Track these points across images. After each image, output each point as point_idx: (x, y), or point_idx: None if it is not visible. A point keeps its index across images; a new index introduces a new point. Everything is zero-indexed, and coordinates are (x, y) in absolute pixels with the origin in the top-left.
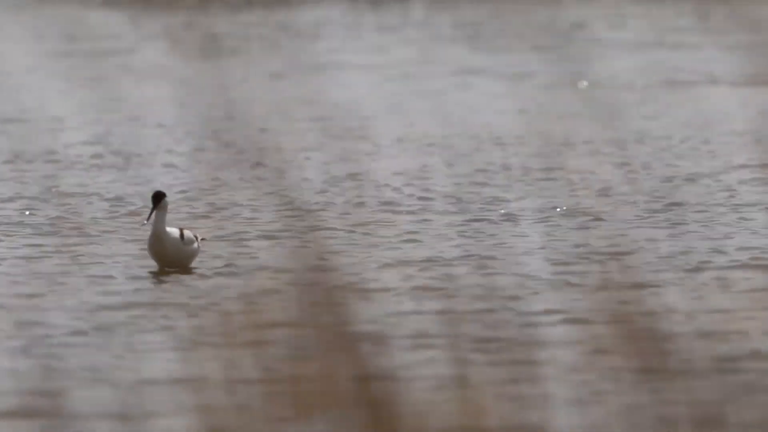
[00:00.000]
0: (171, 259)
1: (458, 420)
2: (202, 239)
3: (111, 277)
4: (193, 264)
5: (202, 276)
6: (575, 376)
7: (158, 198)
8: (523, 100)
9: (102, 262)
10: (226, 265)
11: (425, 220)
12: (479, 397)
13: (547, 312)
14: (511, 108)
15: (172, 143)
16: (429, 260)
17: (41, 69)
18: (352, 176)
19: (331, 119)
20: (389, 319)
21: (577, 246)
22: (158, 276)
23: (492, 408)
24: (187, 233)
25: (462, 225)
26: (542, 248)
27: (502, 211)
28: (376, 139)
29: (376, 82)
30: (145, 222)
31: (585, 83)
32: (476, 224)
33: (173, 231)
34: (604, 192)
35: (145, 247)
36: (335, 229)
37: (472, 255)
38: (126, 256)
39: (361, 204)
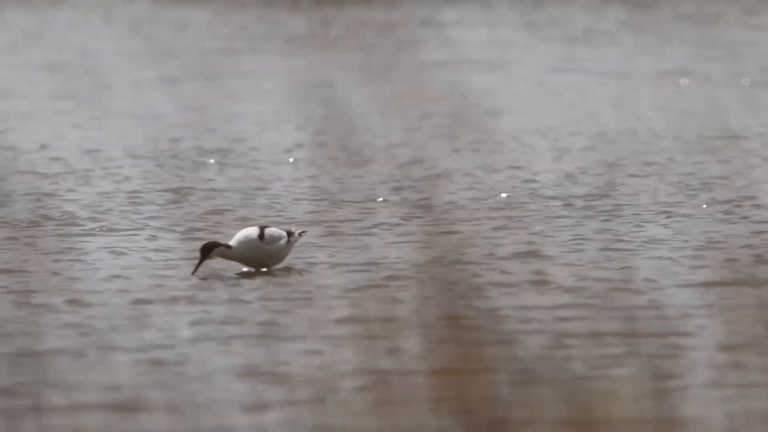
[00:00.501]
0: (255, 262)
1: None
2: (301, 233)
3: None
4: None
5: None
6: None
7: (207, 250)
8: (679, 97)
9: None
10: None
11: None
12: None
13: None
14: (670, 105)
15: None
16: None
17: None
18: (496, 170)
19: (459, 114)
20: (525, 314)
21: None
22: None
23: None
24: (271, 230)
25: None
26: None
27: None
28: (530, 137)
29: (517, 77)
30: (193, 274)
31: (747, 80)
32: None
33: (251, 231)
34: None
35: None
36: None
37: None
38: None
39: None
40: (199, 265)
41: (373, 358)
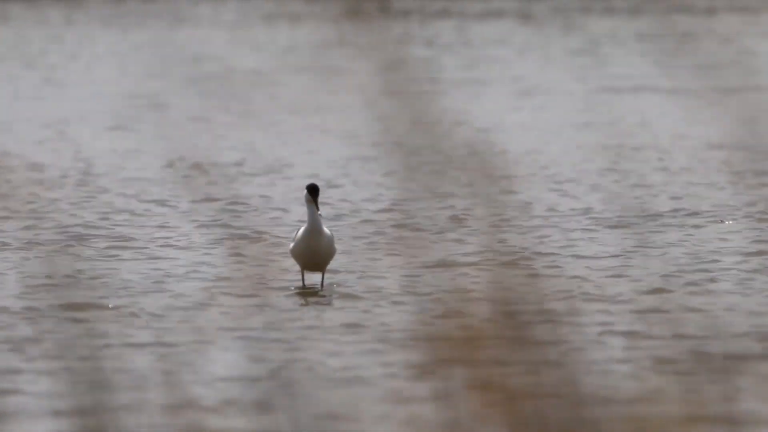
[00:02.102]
0: (322, 258)
1: None
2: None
3: None
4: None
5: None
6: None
7: (317, 190)
8: None
9: None
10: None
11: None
12: None
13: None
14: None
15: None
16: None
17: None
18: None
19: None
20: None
21: None
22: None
23: None
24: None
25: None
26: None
27: None
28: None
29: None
30: (320, 214)
31: None
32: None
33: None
34: None
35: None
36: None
37: None
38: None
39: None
40: (317, 204)
41: None
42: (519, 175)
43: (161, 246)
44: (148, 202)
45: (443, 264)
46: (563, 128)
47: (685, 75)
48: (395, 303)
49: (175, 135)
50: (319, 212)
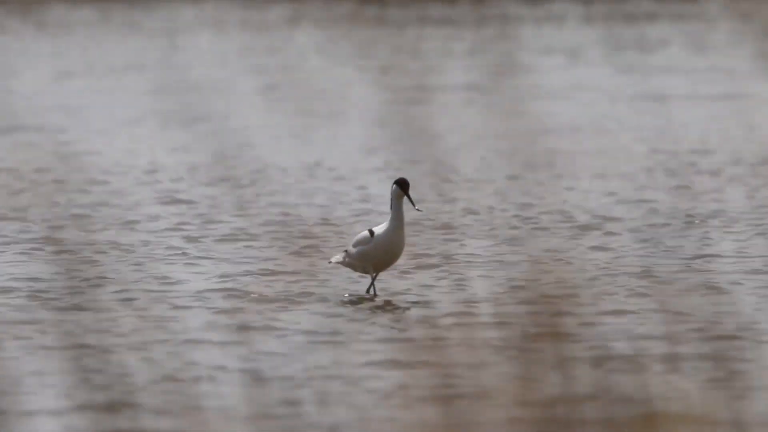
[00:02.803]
0: (396, 259)
1: None
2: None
3: None
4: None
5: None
6: None
7: (407, 184)
8: None
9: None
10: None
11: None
12: None
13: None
14: None
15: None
16: None
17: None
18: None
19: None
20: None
21: None
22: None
23: None
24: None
25: None
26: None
27: None
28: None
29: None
30: (419, 209)
31: None
32: None
33: (365, 233)
34: None
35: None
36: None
37: None
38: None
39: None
40: (411, 200)
41: None
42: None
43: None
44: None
45: None
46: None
47: None
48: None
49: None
50: (417, 208)
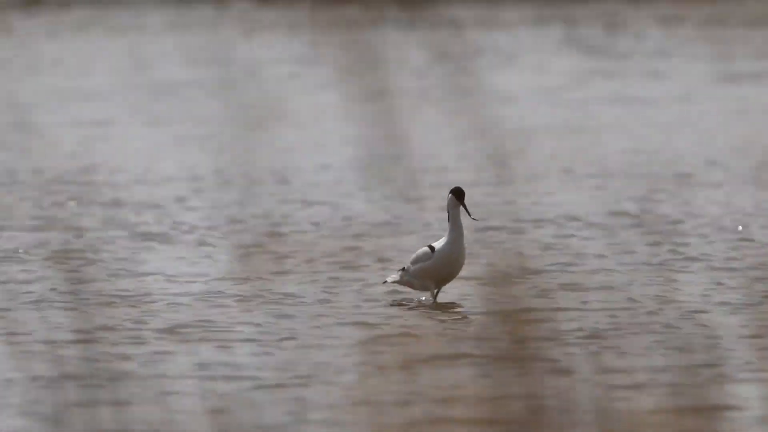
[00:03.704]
0: (458, 272)
1: None
2: None
3: None
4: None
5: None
6: None
7: (463, 193)
8: None
9: None
10: None
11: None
12: None
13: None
14: None
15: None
16: None
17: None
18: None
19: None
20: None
21: None
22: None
23: None
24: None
25: None
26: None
27: None
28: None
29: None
30: (475, 218)
31: None
32: None
33: (426, 249)
34: None
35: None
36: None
37: None
38: None
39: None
40: (466, 209)
41: None
42: None
43: None
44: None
45: None
46: None
47: None
48: None
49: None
50: (473, 217)
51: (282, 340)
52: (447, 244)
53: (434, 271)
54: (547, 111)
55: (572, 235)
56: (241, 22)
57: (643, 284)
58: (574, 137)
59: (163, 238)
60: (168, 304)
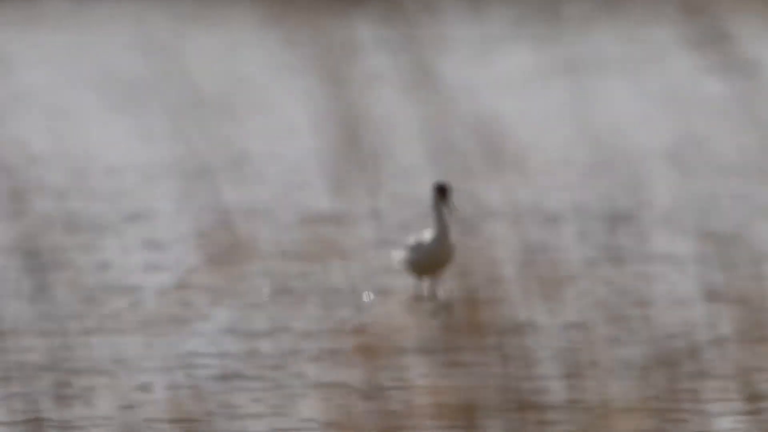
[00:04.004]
0: (446, 265)
1: None
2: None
3: None
4: None
5: None
6: None
7: (446, 190)
8: None
9: None
10: None
11: None
12: None
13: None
14: None
15: None
16: None
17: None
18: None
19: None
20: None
21: None
22: None
23: None
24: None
25: None
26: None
27: None
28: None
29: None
30: (457, 211)
31: None
32: None
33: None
34: None
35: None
36: None
37: None
38: None
39: None
40: (451, 205)
41: None
42: None
43: None
44: None
45: None
46: None
47: None
48: None
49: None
50: (455, 210)
51: (243, 329)
52: (431, 241)
53: (416, 264)
54: (507, 101)
55: (536, 227)
56: (198, 10)
57: (609, 276)
58: (530, 126)
59: (116, 227)
60: (125, 292)
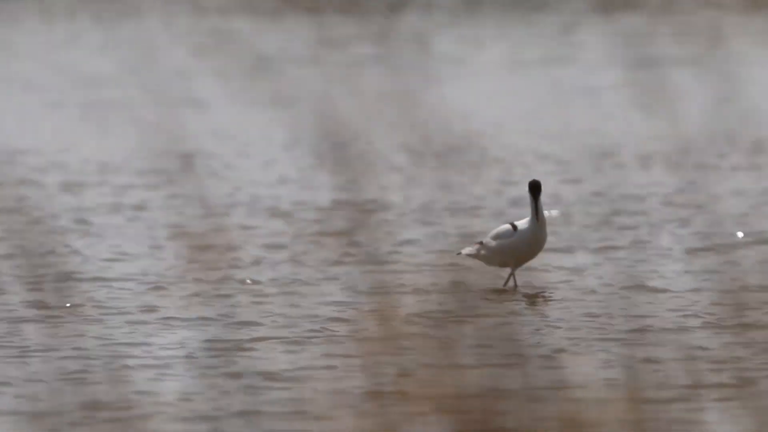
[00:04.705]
0: (537, 254)
1: None
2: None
3: None
4: None
5: None
6: None
7: (538, 188)
8: None
9: None
10: None
11: None
12: None
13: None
14: None
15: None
16: None
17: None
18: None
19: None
20: None
21: None
22: None
23: None
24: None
25: None
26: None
27: None
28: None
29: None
30: (541, 217)
31: None
32: None
33: (507, 226)
34: None
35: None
36: None
37: None
38: None
39: None
40: (538, 207)
41: None
42: None
43: None
44: None
45: None
46: None
47: None
48: None
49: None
50: (539, 216)
51: (222, 319)
52: (529, 227)
53: (515, 249)
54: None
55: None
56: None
57: (587, 267)
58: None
59: (84, 223)
60: (102, 285)
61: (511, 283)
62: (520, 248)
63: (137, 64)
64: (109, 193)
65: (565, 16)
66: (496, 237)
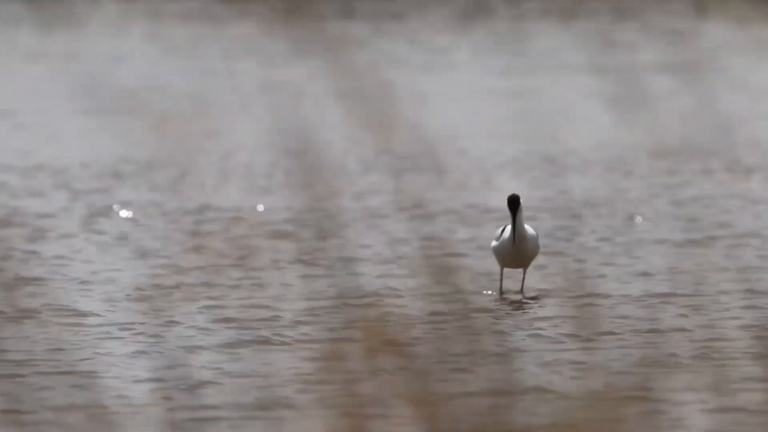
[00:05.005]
0: (528, 259)
1: None
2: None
3: None
4: None
5: None
6: None
7: (516, 202)
8: None
9: None
10: None
11: None
12: None
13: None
14: None
15: None
16: None
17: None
18: None
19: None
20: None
21: None
22: None
23: None
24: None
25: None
26: None
27: None
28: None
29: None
30: (516, 240)
31: None
32: None
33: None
34: None
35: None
36: None
37: None
38: None
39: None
40: (515, 222)
41: None
42: None
43: None
44: None
45: None
46: None
47: None
48: None
49: None
50: (516, 241)
51: (214, 320)
52: (509, 238)
53: (497, 255)
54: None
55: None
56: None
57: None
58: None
59: (66, 228)
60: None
61: (498, 290)
62: (501, 254)
63: None
64: None
65: (524, 22)
66: (497, 237)
